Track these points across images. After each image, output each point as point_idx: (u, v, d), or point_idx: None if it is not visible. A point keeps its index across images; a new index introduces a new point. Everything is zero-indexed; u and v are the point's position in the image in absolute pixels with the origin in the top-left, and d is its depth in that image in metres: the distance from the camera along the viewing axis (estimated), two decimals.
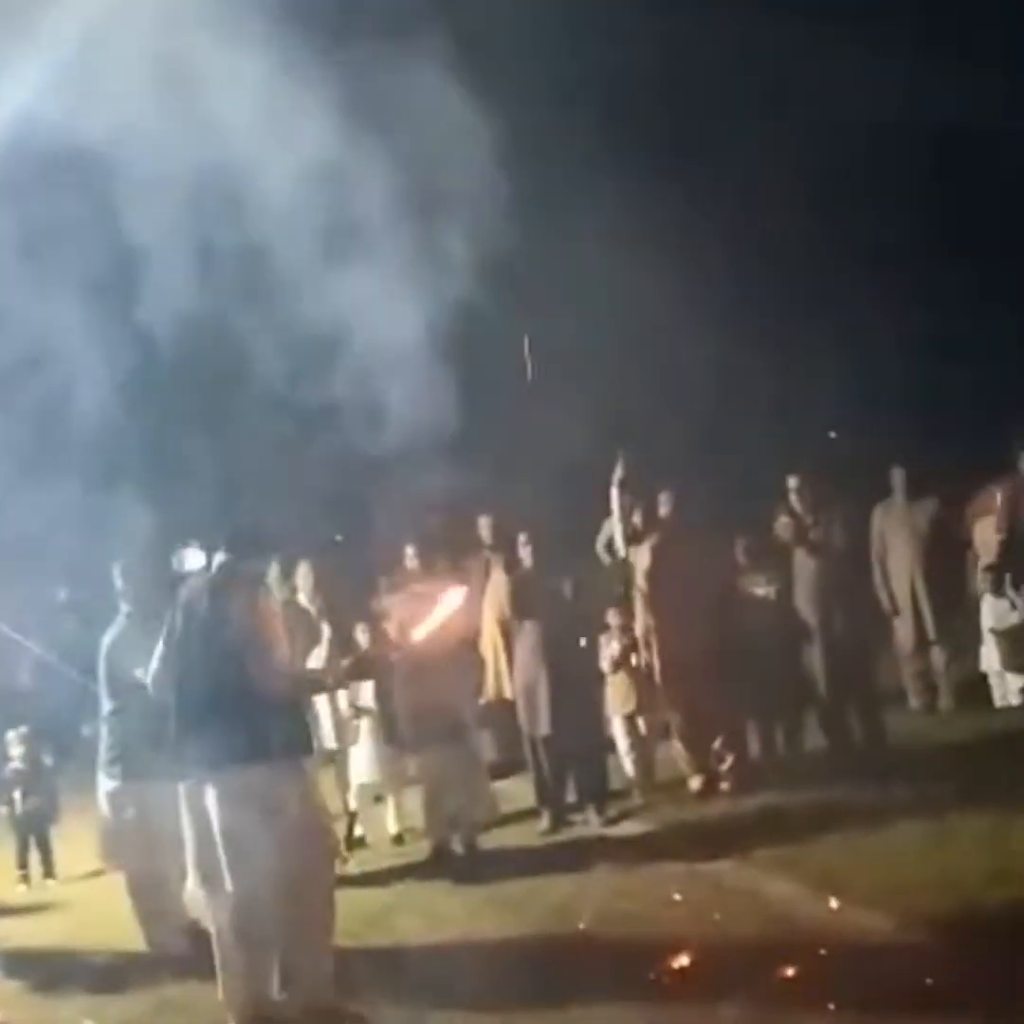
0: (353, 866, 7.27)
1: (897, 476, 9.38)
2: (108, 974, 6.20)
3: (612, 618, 8.30)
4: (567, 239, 9.65)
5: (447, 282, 6.74)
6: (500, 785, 8.76)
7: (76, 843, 8.28)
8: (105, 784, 6.40)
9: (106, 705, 6.47)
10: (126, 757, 6.30)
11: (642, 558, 8.31)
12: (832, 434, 17.85)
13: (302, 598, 8.51)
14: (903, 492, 9.35)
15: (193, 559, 8.13)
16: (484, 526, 9.54)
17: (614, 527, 9.08)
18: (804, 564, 7.92)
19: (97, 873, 7.91)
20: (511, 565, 8.65)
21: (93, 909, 7.34)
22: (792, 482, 8.00)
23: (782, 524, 7.95)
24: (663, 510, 8.38)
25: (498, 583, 9.07)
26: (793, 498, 8.00)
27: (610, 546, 9.76)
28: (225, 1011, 5.09)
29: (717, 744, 8.12)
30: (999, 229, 16.98)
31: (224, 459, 12.23)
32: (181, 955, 6.21)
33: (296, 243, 6.56)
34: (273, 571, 10.48)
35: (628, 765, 8.25)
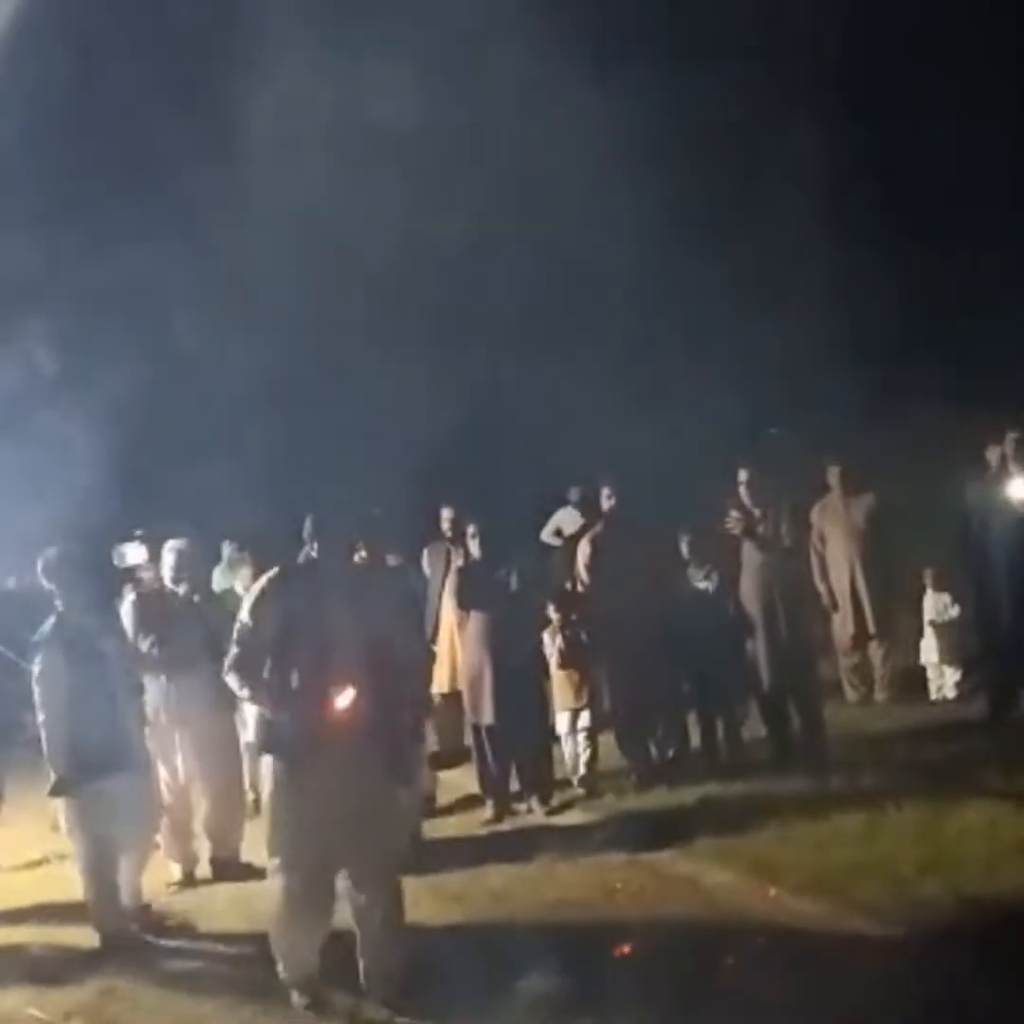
0: None
1: (833, 474, 9.54)
2: (52, 965, 6.18)
3: (554, 612, 8.33)
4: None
5: None
6: (446, 775, 8.82)
7: (18, 831, 8.24)
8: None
9: None
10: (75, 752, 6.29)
11: (583, 550, 8.39)
12: (773, 431, 18.02)
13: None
14: (840, 489, 9.51)
15: (134, 553, 8.14)
16: (445, 519, 9.55)
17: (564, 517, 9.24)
18: (751, 557, 7.99)
19: (37, 863, 7.89)
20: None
21: (33, 900, 7.28)
22: (742, 475, 8.07)
23: (732, 518, 8.03)
24: (605, 503, 8.45)
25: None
26: (743, 491, 8.08)
27: (559, 534, 9.86)
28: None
29: (658, 735, 8.22)
30: (944, 226, 17.18)
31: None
32: (129, 942, 6.25)
33: None
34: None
35: (572, 757, 8.32)
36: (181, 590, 7.57)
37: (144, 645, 7.45)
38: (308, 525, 5.32)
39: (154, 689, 7.40)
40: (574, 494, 10.13)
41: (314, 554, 5.31)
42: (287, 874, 5.16)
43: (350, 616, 5.18)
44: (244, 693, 5.28)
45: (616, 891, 6.24)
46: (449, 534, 9.47)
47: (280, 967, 5.25)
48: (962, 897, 5.35)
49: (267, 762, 5.23)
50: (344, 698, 5.04)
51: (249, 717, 6.88)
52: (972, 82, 14.32)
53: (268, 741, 5.23)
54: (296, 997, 5.19)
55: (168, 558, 7.63)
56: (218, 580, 10.21)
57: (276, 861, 5.20)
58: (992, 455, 8.54)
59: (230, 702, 7.82)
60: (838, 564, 9.43)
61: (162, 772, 7.49)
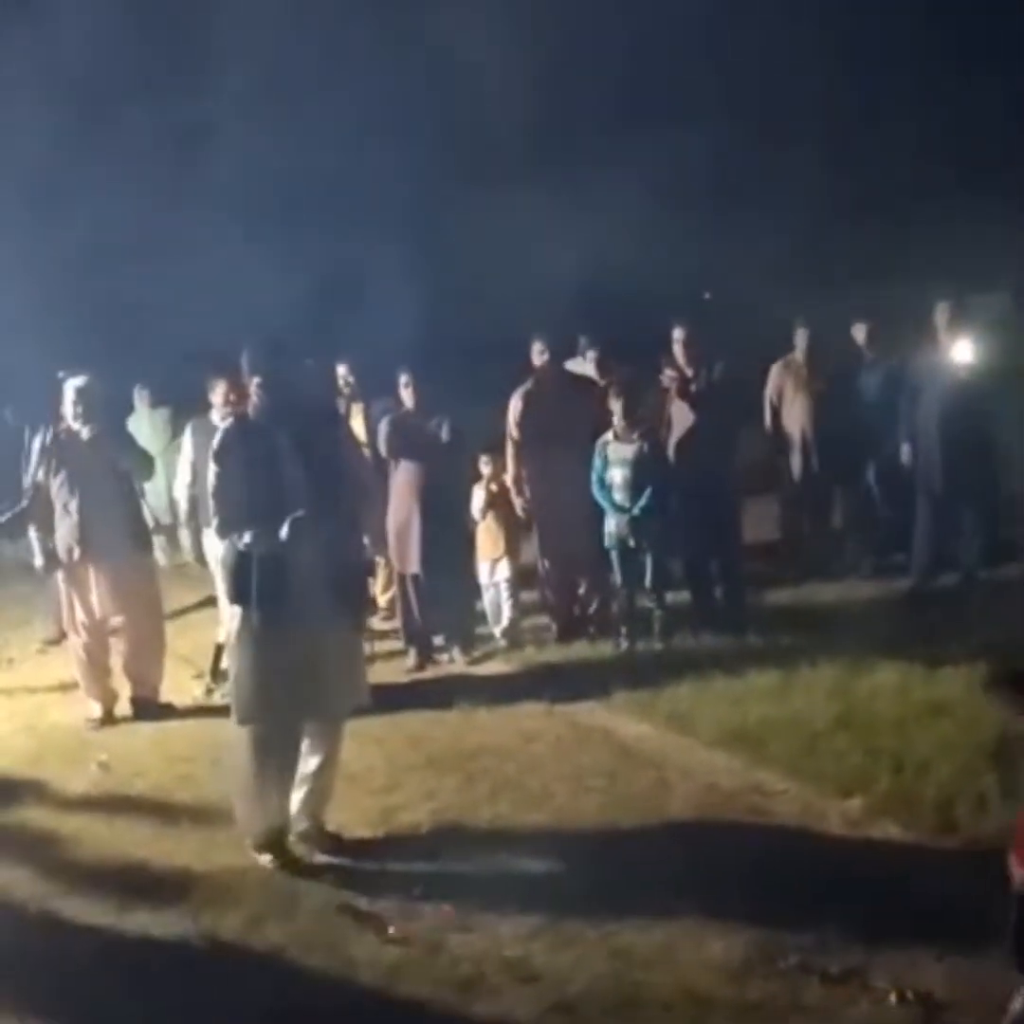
0: (219, 698, 7.24)
1: (801, 336, 9.36)
2: None
3: (484, 466, 8.31)
4: None
5: None
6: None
7: None
8: None
9: None
10: None
11: (513, 406, 8.31)
12: (707, 295, 18.01)
13: None
14: (804, 351, 9.36)
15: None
16: (340, 376, 9.26)
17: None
18: (682, 416, 7.95)
19: None
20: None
21: None
22: (678, 334, 7.97)
23: (666, 375, 7.95)
24: (537, 359, 8.34)
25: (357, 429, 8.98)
26: (677, 350, 7.99)
27: None
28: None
29: (581, 590, 8.28)
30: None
31: None
32: None
33: None
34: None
35: (494, 608, 8.36)
36: (85, 430, 7.40)
37: (54, 484, 7.34)
38: (247, 364, 5.16)
39: (65, 526, 7.31)
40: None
41: (256, 401, 5.15)
42: (260, 725, 5.09)
43: (303, 460, 5.05)
44: (241, 544, 5.06)
45: (531, 737, 6.33)
46: (345, 391, 9.17)
47: (246, 832, 5.17)
48: (871, 751, 5.48)
49: (236, 613, 5.12)
50: None
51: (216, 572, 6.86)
52: None
53: (241, 592, 5.06)
54: (264, 859, 5.09)
55: (68, 395, 7.40)
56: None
57: (246, 712, 5.12)
58: (927, 326, 8.57)
59: (146, 543, 7.76)
60: (792, 427, 9.31)
61: (78, 611, 7.42)
